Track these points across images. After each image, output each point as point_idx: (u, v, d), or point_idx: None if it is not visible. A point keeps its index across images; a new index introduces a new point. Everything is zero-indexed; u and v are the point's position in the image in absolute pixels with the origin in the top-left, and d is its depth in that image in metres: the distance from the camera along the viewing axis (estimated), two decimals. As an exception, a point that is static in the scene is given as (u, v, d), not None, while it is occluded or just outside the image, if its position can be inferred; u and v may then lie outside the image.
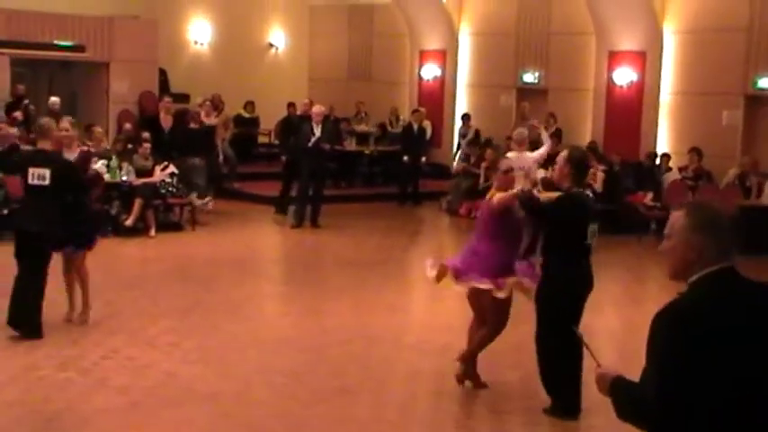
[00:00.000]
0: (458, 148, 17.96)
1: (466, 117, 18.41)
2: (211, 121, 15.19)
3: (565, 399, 6.21)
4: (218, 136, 15.18)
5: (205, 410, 6.33)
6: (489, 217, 6.62)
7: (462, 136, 17.91)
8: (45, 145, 8.00)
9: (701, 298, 2.74)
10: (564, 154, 6.30)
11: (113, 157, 13.18)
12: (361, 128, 19.47)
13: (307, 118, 14.61)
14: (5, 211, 11.95)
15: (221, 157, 15.38)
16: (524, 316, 8.77)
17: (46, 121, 8.34)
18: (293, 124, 15.16)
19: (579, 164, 6.22)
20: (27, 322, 7.71)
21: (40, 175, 7.69)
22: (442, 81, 19.67)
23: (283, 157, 15.21)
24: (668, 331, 2.69)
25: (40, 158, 7.82)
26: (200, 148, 14.55)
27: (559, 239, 6.19)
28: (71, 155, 8.38)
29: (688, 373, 2.65)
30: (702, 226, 2.76)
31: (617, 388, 2.87)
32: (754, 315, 2.72)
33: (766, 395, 2.68)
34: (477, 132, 17.98)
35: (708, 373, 2.65)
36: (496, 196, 6.55)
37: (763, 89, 14.72)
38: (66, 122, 8.86)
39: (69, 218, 7.84)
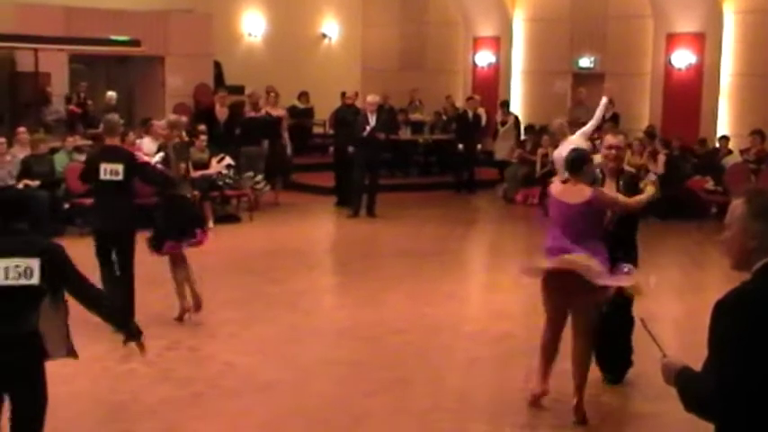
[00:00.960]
0: (494, 136, 17.62)
1: (504, 104, 17.94)
2: (278, 112, 15.28)
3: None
4: (283, 127, 15.25)
5: (264, 400, 6.38)
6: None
7: (502, 123, 17.52)
8: (113, 141, 8.15)
9: (763, 285, 2.67)
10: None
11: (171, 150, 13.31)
12: (416, 116, 19.41)
13: (354, 109, 14.72)
14: (67, 206, 12.19)
15: (288, 149, 15.42)
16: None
17: (112, 117, 8.47)
18: (345, 115, 15.18)
19: None
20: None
21: (113, 171, 7.79)
22: (496, 68, 19.52)
23: (330, 148, 15.23)
24: (729, 319, 2.63)
25: (111, 155, 7.94)
26: (259, 137, 14.64)
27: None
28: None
29: (750, 361, 2.58)
30: (762, 213, 2.70)
31: (683, 379, 2.80)
32: None
33: None
34: (516, 119, 17.72)
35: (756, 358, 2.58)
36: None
37: (827, 68, 14.34)
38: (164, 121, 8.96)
39: (168, 213, 7.99)
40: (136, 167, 7.90)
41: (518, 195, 16.04)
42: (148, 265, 8.58)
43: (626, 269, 5.95)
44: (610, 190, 6.26)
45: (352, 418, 6.03)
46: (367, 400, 6.37)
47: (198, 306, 8.33)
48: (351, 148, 14.22)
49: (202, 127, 14.19)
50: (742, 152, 14.61)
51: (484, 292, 9.96)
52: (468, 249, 12.76)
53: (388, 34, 21.24)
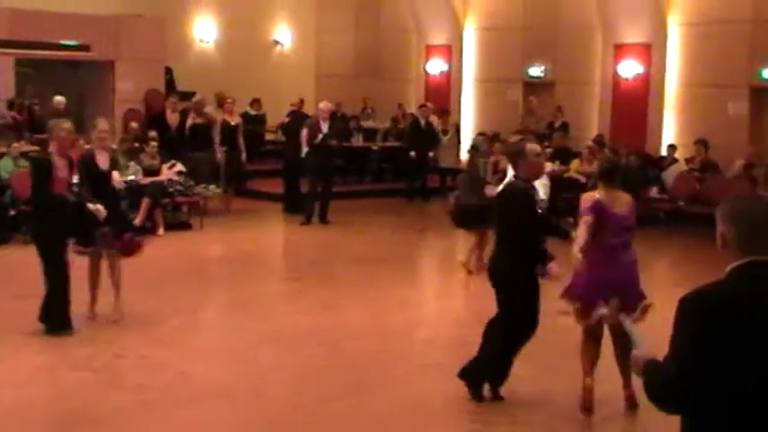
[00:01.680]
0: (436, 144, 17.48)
1: (444, 113, 17.75)
2: (234, 119, 15.20)
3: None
4: (239, 134, 15.17)
5: (220, 409, 6.33)
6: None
7: (444, 132, 17.41)
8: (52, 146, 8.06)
9: (724, 286, 2.76)
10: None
11: (120, 156, 13.18)
12: (369, 124, 19.45)
13: (300, 115, 14.96)
14: (13, 213, 11.97)
15: (243, 155, 15.34)
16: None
17: (57, 122, 8.36)
18: (292, 121, 15.21)
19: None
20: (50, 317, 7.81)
21: None
22: (448, 76, 19.65)
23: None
24: (686, 315, 2.73)
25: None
26: (203, 144, 14.60)
27: None
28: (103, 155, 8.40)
29: (702, 359, 2.68)
30: (726, 217, 2.80)
31: (648, 370, 2.88)
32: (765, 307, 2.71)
33: None
34: (457, 127, 17.76)
35: (722, 360, 2.67)
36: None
37: (767, 80, 14.69)
38: (103, 124, 8.79)
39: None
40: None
41: (470, 202, 16.12)
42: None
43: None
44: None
45: (309, 425, 6.01)
46: (325, 406, 6.35)
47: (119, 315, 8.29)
48: (303, 155, 14.20)
49: (153, 133, 14.06)
50: (687, 161, 14.90)
51: (438, 298, 10.00)
52: (422, 256, 12.82)
53: (342, 41, 21.26)
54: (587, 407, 6.21)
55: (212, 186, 14.07)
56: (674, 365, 2.74)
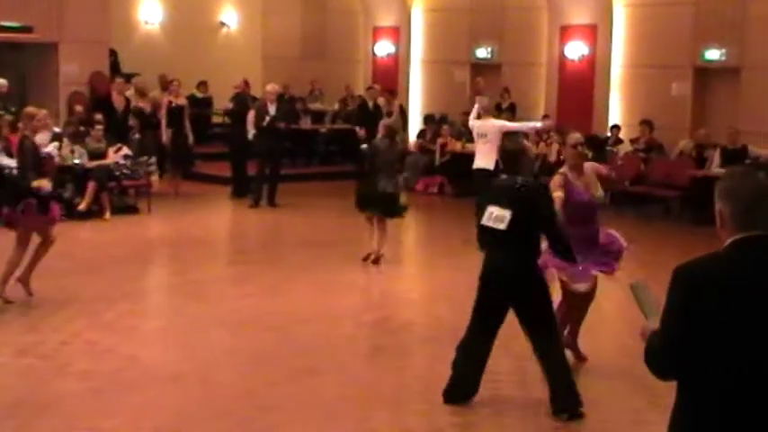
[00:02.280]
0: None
1: (391, 93, 17.50)
2: (180, 101, 15.03)
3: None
4: (185, 116, 15.01)
5: (168, 393, 6.32)
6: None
7: (388, 114, 17.34)
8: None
9: (718, 259, 2.83)
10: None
11: (65, 139, 13.00)
12: (316, 106, 19.38)
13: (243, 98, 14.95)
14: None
15: (190, 138, 15.20)
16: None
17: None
18: (236, 104, 15.09)
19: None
20: None
21: None
22: (395, 58, 19.64)
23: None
24: (676, 284, 2.80)
25: None
26: (146, 127, 14.58)
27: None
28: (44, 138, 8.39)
29: (690, 327, 2.75)
30: (722, 195, 2.85)
31: (649, 339, 2.95)
32: (761, 282, 2.76)
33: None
34: (401, 107, 17.74)
35: (709, 330, 2.74)
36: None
37: (710, 61, 14.95)
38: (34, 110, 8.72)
39: None
40: None
41: (418, 184, 16.23)
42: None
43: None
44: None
45: (258, 409, 6.02)
46: (273, 390, 6.37)
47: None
48: (251, 137, 14.12)
49: (99, 116, 13.86)
50: (632, 141, 15.11)
51: (386, 280, 10.04)
52: (371, 239, 12.81)
53: (289, 23, 21.11)
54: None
55: (153, 166, 13.99)
56: (662, 333, 2.82)
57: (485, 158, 11.33)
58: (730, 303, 2.74)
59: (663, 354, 2.85)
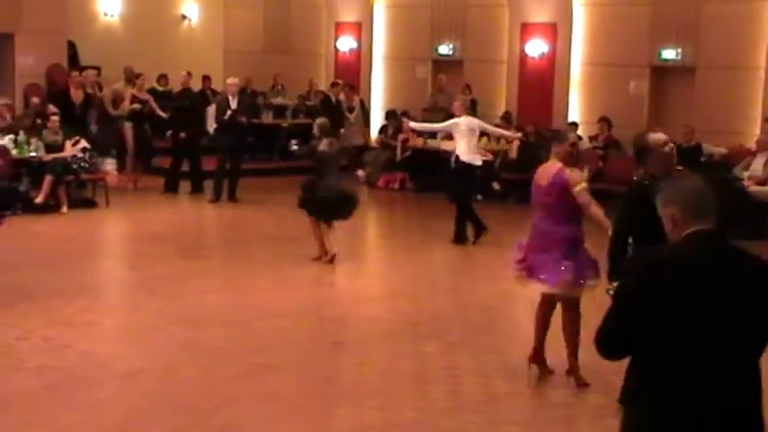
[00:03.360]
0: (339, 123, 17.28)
1: (351, 88, 17.49)
2: (143, 95, 14.86)
3: None
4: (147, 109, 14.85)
5: (126, 389, 6.28)
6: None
7: (349, 109, 17.18)
8: None
9: (674, 249, 3.13)
10: None
11: (21, 132, 12.83)
12: (278, 101, 19.31)
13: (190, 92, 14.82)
14: None
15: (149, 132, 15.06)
16: (441, 285, 8.95)
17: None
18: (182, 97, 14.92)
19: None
20: None
21: None
22: (358, 53, 19.62)
23: (173, 133, 14.56)
24: (635, 272, 3.14)
25: None
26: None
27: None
28: None
29: (647, 310, 3.01)
30: (670, 200, 3.16)
31: (604, 321, 3.19)
32: (715, 271, 3.05)
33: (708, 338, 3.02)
34: (362, 102, 17.73)
35: (665, 313, 3.00)
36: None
37: (666, 61, 15.15)
38: None
39: None
40: None
41: (380, 180, 16.24)
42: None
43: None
44: None
45: (217, 405, 6.00)
46: (232, 385, 6.35)
47: None
48: (212, 131, 14.04)
49: (52, 107, 13.68)
50: (591, 138, 15.26)
51: (347, 276, 10.05)
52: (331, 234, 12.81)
53: (251, 16, 20.98)
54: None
55: (110, 160, 13.87)
56: (618, 317, 3.10)
57: (473, 154, 11.50)
58: (687, 288, 3.01)
59: (618, 335, 3.10)
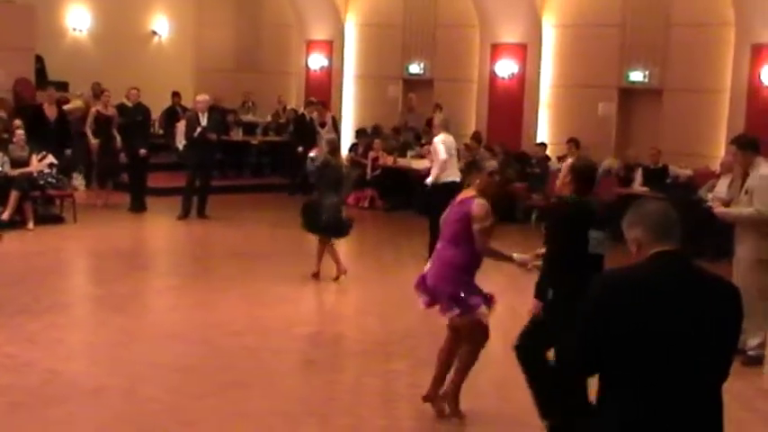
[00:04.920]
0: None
1: (322, 105, 17.59)
2: (109, 111, 14.75)
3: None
4: (114, 126, 14.70)
5: (91, 408, 6.20)
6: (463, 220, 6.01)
7: (321, 125, 17.14)
8: None
9: (635, 270, 3.11)
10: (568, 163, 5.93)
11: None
12: (248, 118, 19.30)
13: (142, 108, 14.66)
14: None
15: (119, 147, 14.90)
16: (410, 303, 8.88)
17: None
18: (134, 114, 14.80)
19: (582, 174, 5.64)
20: None
21: None
22: (329, 71, 19.68)
23: (143, 150, 14.50)
24: (597, 289, 3.08)
25: None
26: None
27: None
28: None
29: (603, 331, 3.00)
30: (634, 222, 3.16)
31: (564, 338, 3.29)
32: (678, 291, 3.03)
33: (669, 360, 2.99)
34: (333, 119, 17.78)
35: (622, 334, 2.98)
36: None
37: (634, 83, 15.35)
38: None
39: None
40: None
41: (350, 198, 16.23)
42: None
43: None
44: None
45: (183, 424, 5.95)
46: (199, 404, 6.30)
47: None
48: (181, 148, 13.97)
49: (17, 122, 13.54)
50: (559, 159, 15.38)
51: (317, 293, 10.03)
52: (301, 251, 12.77)
53: (222, 34, 20.98)
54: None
55: (77, 176, 13.75)
56: (581, 334, 3.08)
57: (456, 172, 11.48)
58: (647, 307, 2.99)
59: (581, 353, 3.09)
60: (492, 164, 6.40)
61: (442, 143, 11.57)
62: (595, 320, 3.03)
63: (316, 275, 10.21)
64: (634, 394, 3.00)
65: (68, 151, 14.24)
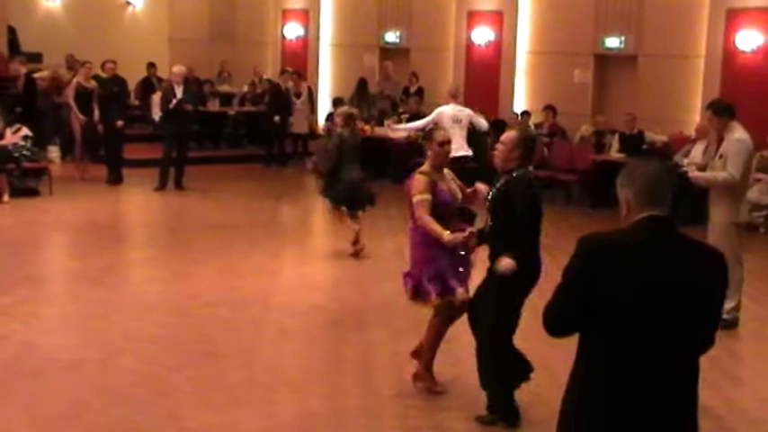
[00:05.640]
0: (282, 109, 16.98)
1: (298, 75, 17.47)
2: (90, 84, 14.60)
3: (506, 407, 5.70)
4: (94, 99, 14.56)
5: (67, 380, 6.21)
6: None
7: (296, 95, 17.09)
8: None
9: (622, 234, 3.09)
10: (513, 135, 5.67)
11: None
12: (225, 89, 19.18)
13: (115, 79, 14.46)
14: None
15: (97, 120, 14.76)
16: (387, 273, 8.93)
17: None
18: (107, 85, 14.66)
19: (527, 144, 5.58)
20: None
21: None
22: (305, 41, 19.56)
23: (120, 122, 14.37)
24: (580, 253, 3.04)
25: None
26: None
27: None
28: None
29: (589, 294, 2.99)
30: (625, 183, 3.12)
31: (550, 300, 3.18)
32: (663, 257, 3.02)
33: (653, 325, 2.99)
34: (309, 89, 17.70)
35: (608, 299, 2.97)
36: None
37: (610, 49, 15.35)
38: None
39: None
40: None
41: (327, 168, 16.20)
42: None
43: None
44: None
45: (159, 394, 5.98)
46: (175, 375, 6.33)
47: None
48: (157, 120, 13.86)
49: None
50: (536, 126, 15.41)
51: (294, 264, 10.05)
52: (279, 222, 12.81)
53: (197, 4, 20.75)
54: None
55: (53, 148, 13.64)
56: (564, 296, 3.06)
57: (463, 145, 11.16)
58: (631, 272, 2.97)
59: (562, 314, 3.08)
60: (441, 134, 6.16)
61: (437, 113, 11.32)
62: (578, 284, 3.03)
63: (356, 254, 9.92)
64: (615, 359, 3.00)
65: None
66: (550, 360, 5.99)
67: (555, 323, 3.10)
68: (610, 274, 2.97)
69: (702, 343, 3.11)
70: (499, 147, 5.60)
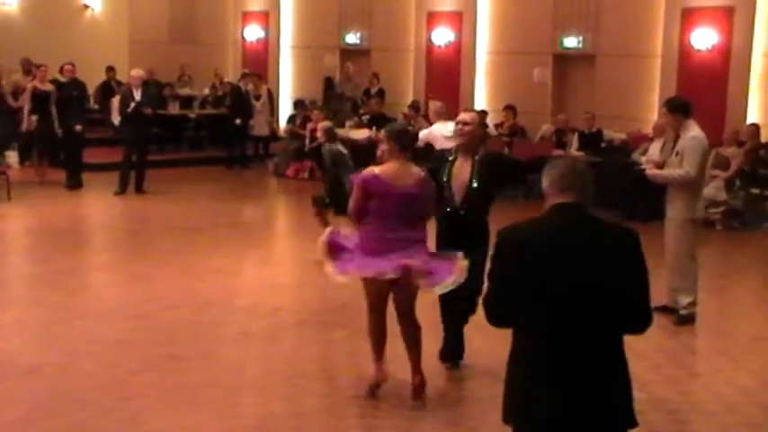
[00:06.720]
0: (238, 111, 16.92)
1: (258, 77, 17.52)
2: (46, 86, 14.44)
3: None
4: (52, 102, 14.39)
5: (26, 386, 6.15)
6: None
7: (256, 98, 17.01)
8: None
9: (536, 222, 3.37)
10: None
11: None
12: (185, 91, 19.09)
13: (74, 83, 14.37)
14: None
15: (56, 125, 14.57)
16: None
17: None
18: (66, 90, 14.54)
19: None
20: None
21: None
22: (265, 42, 19.53)
23: (78, 126, 14.24)
24: (501, 245, 3.35)
25: None
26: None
27: None
28: None
29: (513, 281, 3.27)
30: (544, 174, 3.41)
31: (486, 293, 3.47)
32: (573, 238, 3.28)
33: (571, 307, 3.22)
34: (269, 92, 17.68)
35: (530, 282, 3.24)
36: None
37: (568, 48, 15.52)
38: None
39: None
40: None
41: (289, 170, 16.22)
42: None
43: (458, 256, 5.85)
44: (464, 168, 6.28)
45: (119, 398, 5.94)
46: (136, 378, 6.30)
47: None
48: (117, 123, 13.77)
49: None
50: (496, 126, 15.53)
51: (256, 266, 10.04)
52: (240, 224, 12.77)
53: (156, 6, 20.65)
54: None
55: (11, 153, 13.49)
56: (493, 288, 3.35)
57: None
58: (546, 257, 3.23)
59: (495, 305, 3.34)
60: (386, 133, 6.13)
61: (429, 131, 11.23)
62: (502, 274, 3.30)
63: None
64: (539, 343, 3.24)
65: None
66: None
67: (491, 313, 3.35)
68: (524, 264, 3.24)
69: (631, 320, 3.29)
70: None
